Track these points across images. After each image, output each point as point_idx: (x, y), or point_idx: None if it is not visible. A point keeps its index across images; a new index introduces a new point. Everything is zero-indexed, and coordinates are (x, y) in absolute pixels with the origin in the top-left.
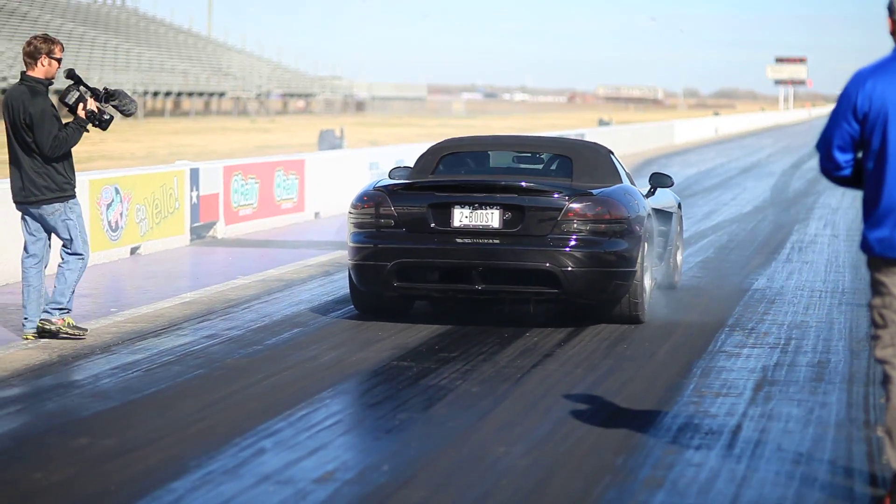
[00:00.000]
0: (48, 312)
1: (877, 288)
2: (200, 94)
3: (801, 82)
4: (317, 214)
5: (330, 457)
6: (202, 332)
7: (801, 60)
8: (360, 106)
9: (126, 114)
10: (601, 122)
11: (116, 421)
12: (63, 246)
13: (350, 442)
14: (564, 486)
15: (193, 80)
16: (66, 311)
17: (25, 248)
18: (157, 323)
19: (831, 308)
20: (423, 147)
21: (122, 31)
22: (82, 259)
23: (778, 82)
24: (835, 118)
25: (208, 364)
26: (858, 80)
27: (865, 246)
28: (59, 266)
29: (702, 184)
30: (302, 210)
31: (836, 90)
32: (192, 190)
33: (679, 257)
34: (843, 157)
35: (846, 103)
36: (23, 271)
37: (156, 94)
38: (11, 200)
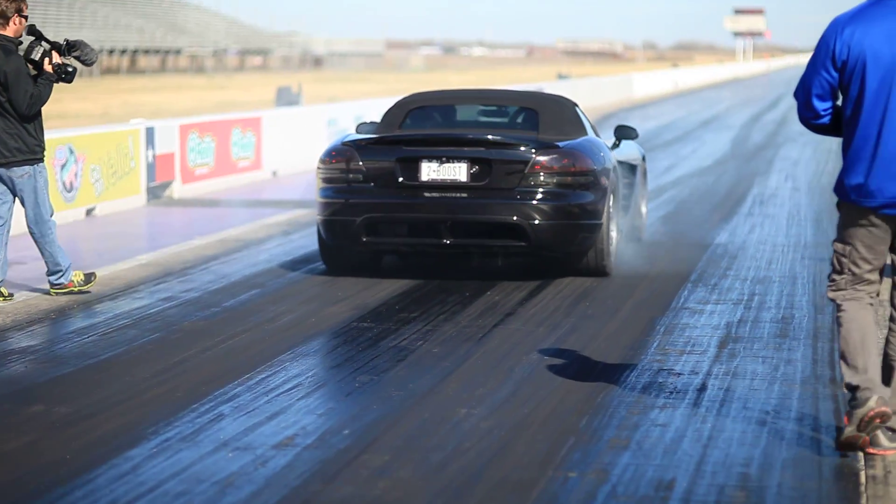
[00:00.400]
0: (56, 284)
1: (841, 233)
2: (157, 52)
3: (760, 34)
4: (274, 173)
5: (289, 422)
6: (159, 295)
7: (760, 12)
8: (317, 62)
9: (88, 63)
10: (560, 76)
11: (72, 387)
12: (29, 219)
13: (310, 406)
14: (528, 448)
15: (149, 37)
16: (67, 271)
17: None
18: (114, 285)
19: (794, 262)
20: (381, 103)
21: None
22: (49, 226)
23: (736, 34)
24: (813, 66)
25: (165, 327)
26: (836, 27)
27: (840, 191)
28: (36, 240)
29: (661, 137)
30: (259, 168)
31: (795, 42)
32: (147, 149)
33: (644, 209)
34: (821, 105)
35: (824, 51)
36: None
37: (111, 51)
38: None
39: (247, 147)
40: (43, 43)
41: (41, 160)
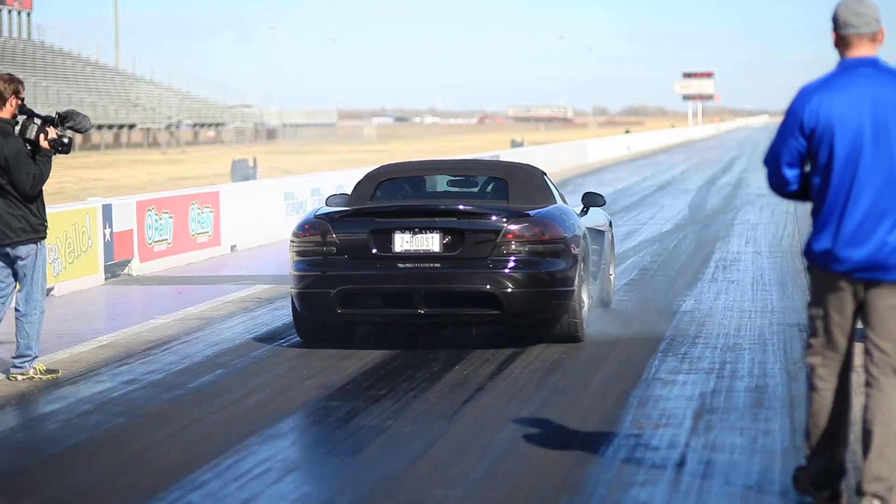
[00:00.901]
0: (18, 367)
1: (815, 297)
2: (110, 127)
3: (710, 97)
4: (233, 247)
5: None
6: (121, 378)
7: (709, 75)
8: (271, 134)
9: (82, 131)
10: (514, 144)
11: (35, 477)
12: (22, 296)
13: (282, 492)
14: None
15: (102, 112)
16: (35, 358)
17: None
18: (74, 369)
19: (763, 328)
20: (337, 175)
21: (28, 64)
22: (38, 308)
23: (686, 97)
24: (782, 134)
25: (129, 412)
26: (804, 95)
27: (809, 255)
28: (19, 318)
29: (619, 203)
30: (218, 244)
31: (745, 104)
32: (105, 227)
33: (612, 275)
34: (791, 173)
35: (793, 119)
36: None
37: None
38: None
39: (205, 222)
40: (35, 119)
41: (44, 238)
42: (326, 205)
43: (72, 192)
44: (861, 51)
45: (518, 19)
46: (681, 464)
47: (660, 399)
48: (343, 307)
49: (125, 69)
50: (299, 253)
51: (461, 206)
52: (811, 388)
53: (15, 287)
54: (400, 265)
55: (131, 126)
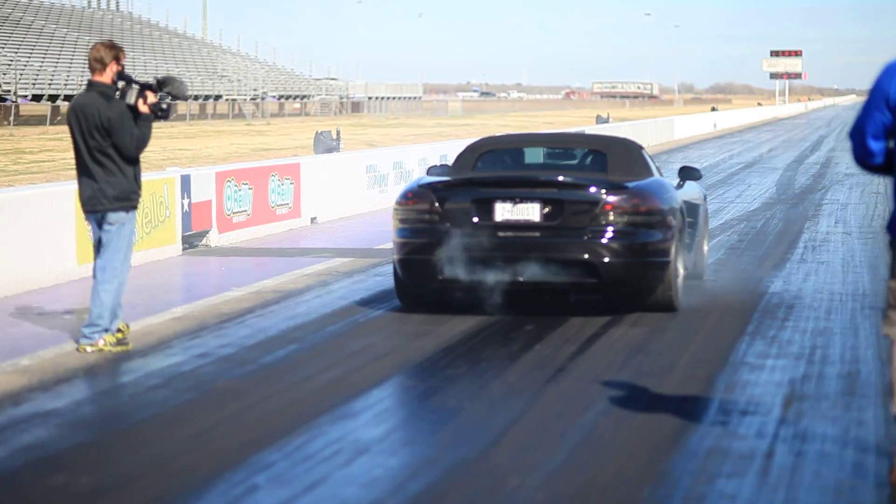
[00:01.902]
0: (88, 338)
1: (894, 269)
2: (196, 98)
3: (797, 75)
4: (313, 220)
5: (329, 494)
6: (193, 351)
7: (797, 53)
8: (356, 107)
9: (180, 97)
10: (599, 119)
11: (96, 455)
12: (99, 261)
13: (351, 475)
14: None
15: (189, 83)
16: (105, 331)
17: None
18: (146, 341)
19: (854, 313)
20: (420, 149)
21: (116, 35)
22: (117, 279)
23: (773, 76)
24: (867, 108)
25: (198, 387)
26: (890, 70)
27: (892, 228)
28: (95, 286)
29: (705, 181)
30: (298, 216)
31: (832, 83)
32: (183, 197)
33: (705, 248)
34: (876, 146)
35: (879, 94)
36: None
37: None
38: (81, 209)
39: (285, 194)
40: (134, 85)
41: (135, 207)
42: (427, 175)
43: (155, 162)
44: None
45: None
46: (769, 455)
47: (747, 385)
48: (444, 274)
49: (212, 41)
50: (402, 220)
51: (561, 178)
52: (890, 359)
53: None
54: (500, 234)
55: (217, 97)
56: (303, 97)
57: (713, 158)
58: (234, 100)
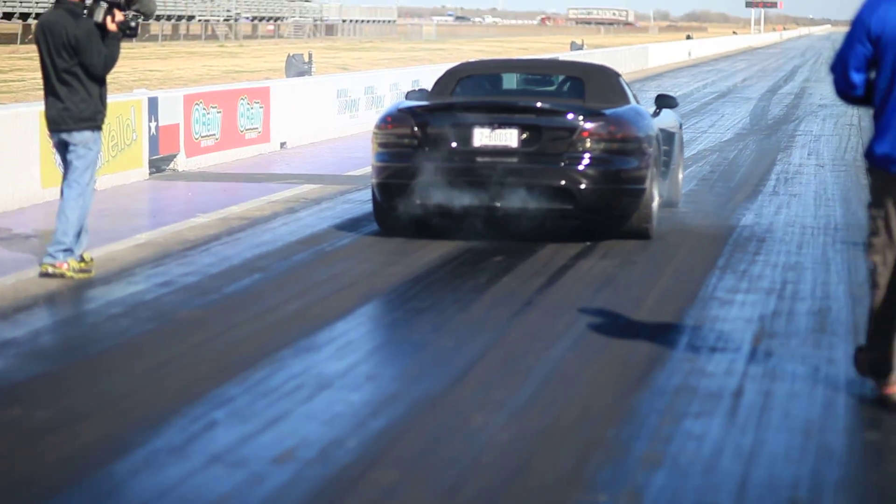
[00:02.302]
0: (52, 256)
1: (874, 197)
2: (168, 18)
3: (773, 4)
4: (283, 144)
5: (289, 430)
6: (156, 279)
7: None
8: (329, 29)
9: (148, 15)
10: (573, 46)
11: (54, 387)
12: (66, 181)
13: (312, 411)
14: (552, 465)
15: (160, 2)
16: (69, 251)
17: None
18: (108, 268)
19: (826, 247)
20: (392, 73)
21: None
22: (83, 197)
23: (749, 4)
24: (849, 41)
25: (160, 317)
26: (872, 4)
27: (870, 157)
28: (61, 203)
29: (679, 110)
30: (267, 140)
31: (808, 13)
32: (150, 120)
33: (680, 176)
34: (857, 77)
35: (860, 26)
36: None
37: None
38: (46, 128)
39: (254, 118)
40: (101, 2)
41: (100, 128)
42: (406, 100)
43: (126, 83)
44: None
45: None
46: (738, 394)
47: (717, 320)
48: (422, 198)
49: None
50: (381, 145)
51: (539, 104)
52: (873, 285)
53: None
54: (478, 159)
55: (190, 18)
56: (276, 19)
57: (687, 87)
58: (206, 21)
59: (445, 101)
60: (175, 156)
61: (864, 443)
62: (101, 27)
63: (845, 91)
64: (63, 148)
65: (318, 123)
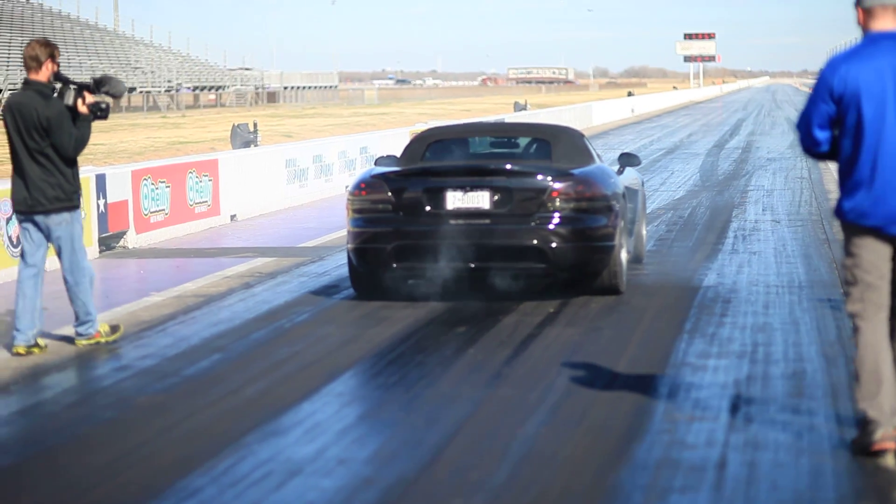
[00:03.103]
0: (83, 335)
1: (848, 250)
2: None
3: (711, 58)
4: (233, 217)
5: None
6: (112, 363)
7: (710, 36)
8: (271, 97)
9: (118, 96)
10: (517, 106)
11: (9, 483)
12: (66, 266)
13: (283, 500)
14: None
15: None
16: (96, 320)
17: (24, 259)
18: (62, 353)
19: (792, 306)
20: (341, 141)
21: (27, 26)
22: (87, 274)
23: (687, 59)
24: (813, 100)
25: (119, 404)
26: (834, 65)
27: (839, 213)
28: (70, 289)
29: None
30: (217, 213)
31: (746, 65)
32: (98, 198)
33: (644, 232)
34: (822, 135)
35: (823, 86)
36: (19, 282)
37: None
38: (12, 210)
39: (203, 191)
40: (71, 85)
41: (78, 207)
42: (376, 165)
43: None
44: (884, 22)
45: None
46: (721, 465)
47: (691, 388)
48: (398, 261)
49: (124, 31)
50: (356, 210)
51: (509, 166)
52: (856, 331)
53: (46, 254)
54: (452, 221)
55: (131, 89)
56: (218, 88)
57: (634, 144)
58: (148, 92)
59: (418, 167)
60: (125, 233)
61: None
62: (73, 109)
63: (810, 148)
64: (36, 228)
65: (268, 194)
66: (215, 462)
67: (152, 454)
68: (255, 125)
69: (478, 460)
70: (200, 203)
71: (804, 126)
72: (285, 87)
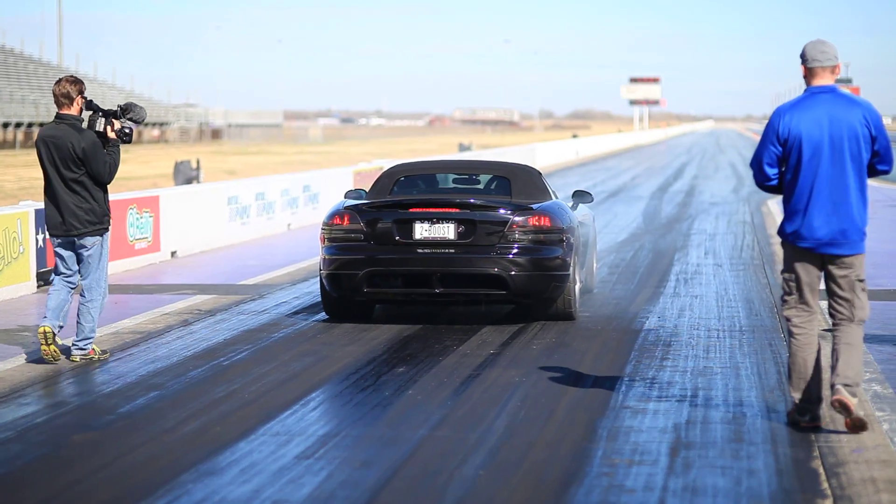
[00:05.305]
0: (82, 349)
1: (787, 265)
2: None
3: (656, 102)
4: (173, 254)
5: None
6: (47, 400)
7: (655, 80)
8: (216, 134)
9: (141, 122)
10: (461, 147)
11: None
12: (87, 283)
13: None
14: None
15: (45, 110)
16: (91, 340)
17: (57, 272)
18: None
19: (733, 350)
20: (283, 179)
21: None
22: (103, 294)
23: (632, 102)
24: (763, 142)
25: (53, 441)
26: (780, 113)
27: (782, 233)
28: (84, 304)
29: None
30: (158, 250)
31: (690, 109)
32: (37, 233)
33: (595, 263)
34: (771, 171)
35: (771, 131)
36: (52, 285)
37: (6, 125)
38: (47, 234)
39: (144, 227)
40: (100, 114)
41: (108, 229)
42: (345, 198)
43: (10, 192)
44: (823, 80)
45: (464, 22)
46: None
47: (631, 431)
48: (369, 287)
49: (68, 66)
50: (330, 239)
51: (473, 200)
52: (790, 334)
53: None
54: (419, 250)
55: None
56: (161, 124)
57: (578, 187)
58: None
59: (389, 199)
60: None
61: None
62: (102, 136)
63: (762, 182)
64: (70, 249)
65: (210, 231)
66: (150, 501)
67: (86, 492)
68: (198, 162)
69: (415, 503)
70: (141, 239)
71: (756, 164)
72: (229, 125)
